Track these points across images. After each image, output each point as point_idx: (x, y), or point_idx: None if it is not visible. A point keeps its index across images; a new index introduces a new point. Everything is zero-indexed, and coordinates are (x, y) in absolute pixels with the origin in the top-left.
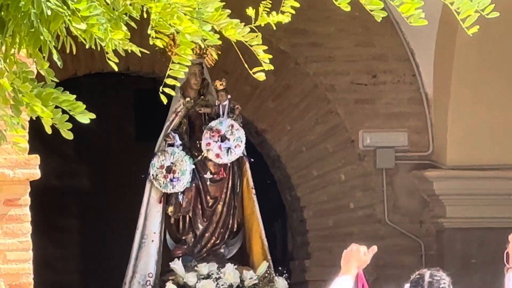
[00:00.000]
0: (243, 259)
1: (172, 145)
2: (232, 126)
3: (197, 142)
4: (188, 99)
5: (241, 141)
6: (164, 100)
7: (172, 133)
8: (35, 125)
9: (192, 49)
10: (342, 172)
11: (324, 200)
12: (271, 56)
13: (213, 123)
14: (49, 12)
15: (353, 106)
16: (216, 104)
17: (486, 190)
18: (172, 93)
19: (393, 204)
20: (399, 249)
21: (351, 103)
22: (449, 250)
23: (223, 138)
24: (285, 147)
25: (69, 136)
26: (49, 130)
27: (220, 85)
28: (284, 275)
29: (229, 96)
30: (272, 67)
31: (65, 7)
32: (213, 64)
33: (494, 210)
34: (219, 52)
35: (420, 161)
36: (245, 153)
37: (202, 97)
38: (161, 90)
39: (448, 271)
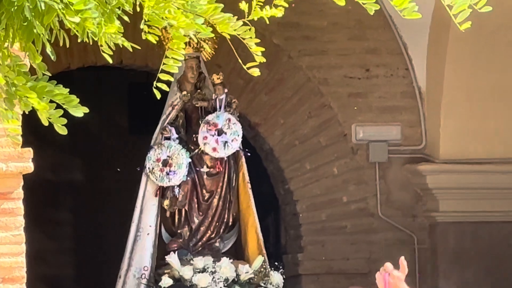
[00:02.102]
0: (238, 253)
1: (168, 138)
2: (229, 120)
3: (194, 135)
4: (184, 92)
5: (238, 135)
6: (158, 95)
7: (169, 127)
8: (28, 118)
9: (189, 43)
10: (335, 165)
11: (317, 193)
12: (263, 49)
13: (210, 117)
14: (42, 6)
15: (346, 100)
16: (213, 97)
17: (479, 184)
18: (166, 88)
19: (386, 198)
20: (392, 243)
21: (344, 96)
22: (442, 244)
23: (220, 132)
24: (278, 140)
25: (63, 131)
26: (45, 122)
27: (217, 79)
28: (280, 270)
29: (226, 90)
30: (264, 60)
31: (58, 0)
32: (209, 58)
33: (487, 204)
34: (216, 46)
35: (413, 154)
36: (241, 147)
37: (199, 90)
38: (155, 85)
39: (441, 265)
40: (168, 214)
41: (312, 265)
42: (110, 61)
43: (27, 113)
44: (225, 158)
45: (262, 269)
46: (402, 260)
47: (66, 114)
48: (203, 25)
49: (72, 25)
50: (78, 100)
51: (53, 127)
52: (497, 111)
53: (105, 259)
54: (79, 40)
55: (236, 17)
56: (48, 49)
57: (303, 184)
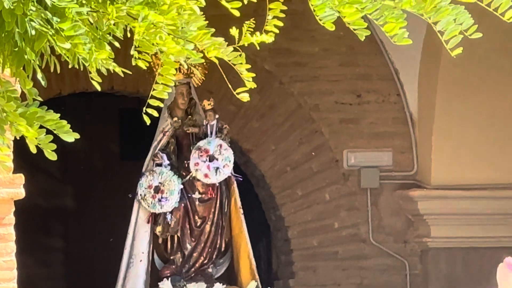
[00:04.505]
0: (231, 279)
1: (160, 165)
2: (221, 146)
3: (185, 162)
4: (175, 118)
5: (230, 161)
6: (147, 120)
7: (160, 153)
8: (20, 144)
9: (180, 69)
10: (326, 191)
11: (309, 219)
12: (254, 75)
13: (201, 143)
14: (33, 32)
15: (337, 126)
16: (204, 123)
17: (471, 209)
18: (156, 114)
19: (377, 224)
20: (383, 268)
21: (335, 122)
22: (434, 270)
23: (212, 158)
24: (269, 166)
25: (53, 157)
26: (34, 150)
27: (208, 104)
28: None
29: (217, 116)
30: (254, 85)
31: (49, 27)
32: (200, 84)
33: (478, 229)
34: (206, 72)
35: (404, 180)
36: (233, 173)
37: (190, 116)
38: (144, 111)
39: None
40: (160, 240)
41: None
42: (99, 88)
43: (18, 138)
44: (217, 184)
45: None
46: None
47: (57, 140)
48: (194, 50)
49: (62, 51)
50: (69, 125)
51: (44, 153)
52: (489, 137)
53: (96, 285)
54: (70, 66)
55: (226, 42)
56: (39, 75)
57: (295, 210)
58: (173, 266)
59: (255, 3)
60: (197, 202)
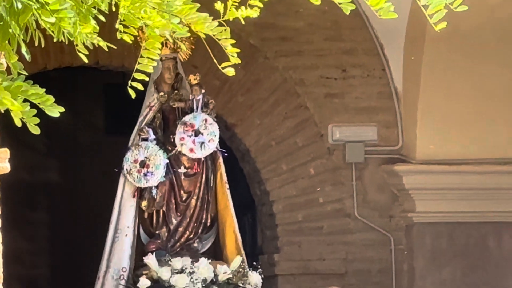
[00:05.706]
0: (216, 254)
1: (146, 139)
2: (206, 120)
3: (171, 136)
4: (162, 93)
5: (215, 136)
6: (133, 94)
7: (146, 128)
8: (4, 118)
9: (166, 44)
10: (311, 166)
11: (294, 194)
12: (238, 50)
13: (187, 118)
14: (19, 5)
15: (322, 100)
16: (190, 98)
17: (456, 184)
18: (141, 87)
19: (362, 199)
20: (368, 243)
21: (320, 97)
22: (419, 244)
23: (197, 133)
24: (254, 141)
25: (36, 131)
26: (18, 123)
27: (194, 79)
28: (259, 270)
29: (203, 91)
30: (239, 61)
31: (34, 0)
32: (187, 59)
33: (463, 204)
34: (193, 47)
35: (389, 155)
36: (219, 148)
37: (176, 91)
38: (129, 85)
39: (418, 265)
40: (146, 215)
41: (289, 265)
42: (86, 60)
43: (3, 111)
44: (202, 159)
45: (240, 269)
46: None
47: (43, 115)
48: (179, 24)
49: (47, 25)
50: (53, 99)
51: (28, 127)
52: (474, 111)
53: (81, 260)
54: (54, 40)
55: (212, 17)
56: (23, 49)
57: (280, 184)
58: (159, 241)
59: None
60: (182, 177)
